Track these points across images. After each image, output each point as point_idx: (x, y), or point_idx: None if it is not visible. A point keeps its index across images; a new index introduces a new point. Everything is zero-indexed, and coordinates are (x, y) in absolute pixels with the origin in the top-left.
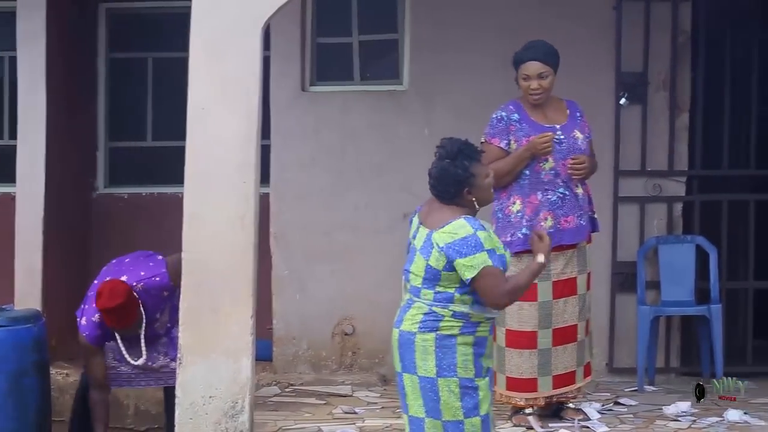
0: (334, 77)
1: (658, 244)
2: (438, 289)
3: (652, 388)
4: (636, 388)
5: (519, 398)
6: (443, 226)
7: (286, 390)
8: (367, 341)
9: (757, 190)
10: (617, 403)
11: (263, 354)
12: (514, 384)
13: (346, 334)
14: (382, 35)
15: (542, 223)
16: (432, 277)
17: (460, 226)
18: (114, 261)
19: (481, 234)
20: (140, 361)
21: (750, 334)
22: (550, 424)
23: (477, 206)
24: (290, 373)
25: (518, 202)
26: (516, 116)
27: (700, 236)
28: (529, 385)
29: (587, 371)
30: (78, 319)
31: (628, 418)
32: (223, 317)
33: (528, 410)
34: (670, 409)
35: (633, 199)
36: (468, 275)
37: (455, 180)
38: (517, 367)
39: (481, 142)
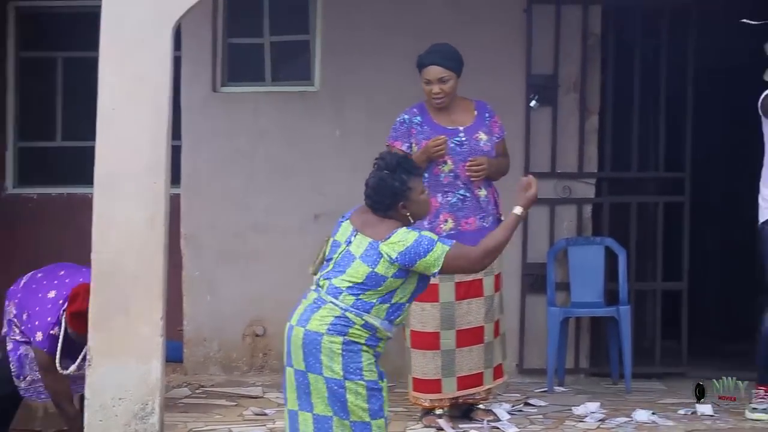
0: (246, 78)
1: (568, 245)
2: (362, 297)
3: (561, 388)
4: (546, 389)
5: (424, 399)
6: (389, 237)
7: (197, 391)
8: (278, 342)
9: (666, 193)
10: (527, 404)
11: (174, 355)
12: (419, 385)
13: (256, 336)
14: (293, 36)
15: (442, 226)
16: (373, 284)
17: (405, 234)
18: (39, 275)
19: (424, 233)
20: (71, 368)
21: (658, 335)
22: (460, 425)
23: (411, 220)
24: (201, 374)
25: None
26: (418, 119)
27: (609, 238)
28: (433, 386)
29: (498, 373)
30: (32, 338)
31: (538, 418)
32: (133, 318)
33: (438, 411)
34: (580, 410)
35: (543, 201)
36: (435, 269)
37: (392, 192)
38: (422, 368)
39: (386, 145)
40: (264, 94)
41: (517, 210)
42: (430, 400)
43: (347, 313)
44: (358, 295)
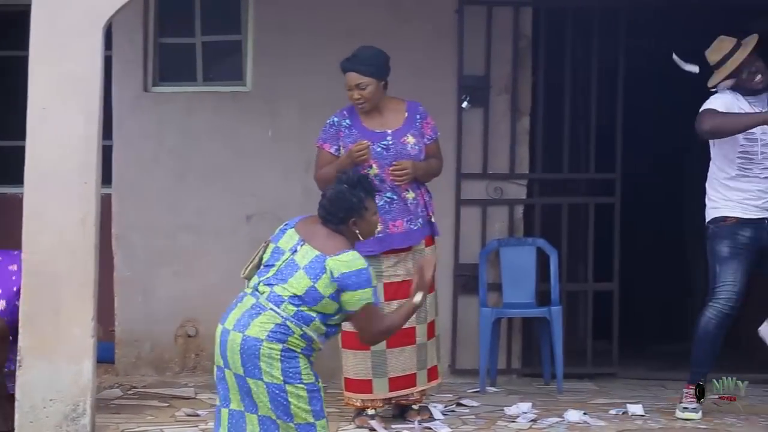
0: (177, 78)
1: (500, 246)
2: (303, 309)
3: (493, 389)
4: (478, 389)
5: (356, 399)
6: (339, 254)
7: (129, 392)
8: (210, 343)
9: (597, 194)
10: (459, 404)
11: (105, 356)
12: (350, 385)
13: (189, 336)
14: (225, 36)
15: None
16: (310, 300)
17: (355, 258)
18: None
19: (370, 270)
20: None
21: (590, 336)
22: (393, 426)
23: (360, 238)
24: (133, 375)
25: None
26: (347, 122)
27: (540, 239)
28: (364, 386)
29: (433, 375)
30: None
31: (470, 419)
32: (64, 319)
33: (370, 411)
34: (512, 410)
35: (475, 202)
36: (350, 308)
37: (347, 207)
38: (352, 368)
39: (316, 147)
40: (195, 95)
41: (416, 299)
42: (362, 400)
43: (288, 323)
44: (299, 306)
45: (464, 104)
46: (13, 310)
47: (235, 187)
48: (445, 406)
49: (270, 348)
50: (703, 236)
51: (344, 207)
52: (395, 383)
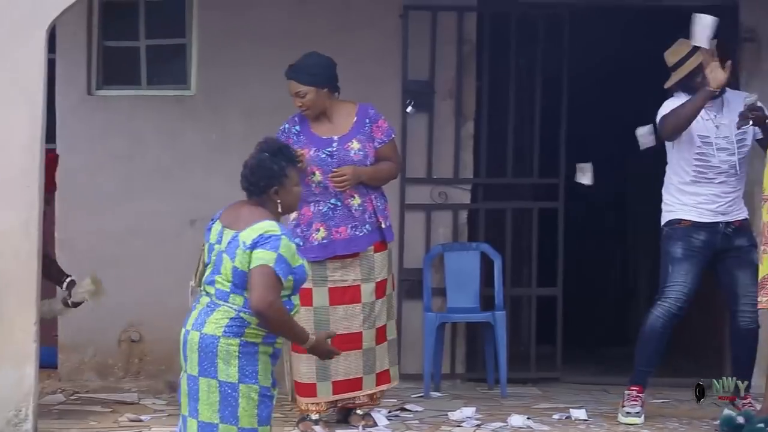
0: (122, 81)
1: (444, 251)
2: (248, 294)
3: (438, 393)
4: (422, 394)
5: (303, 403)
6: (253, 225)
7: (72, 398)
8: (154, 348)
9: (540, 199)
10: (404, 409)
11: (48, 361)
12: (298, 388)
13: (132, 341)
14: (169, 40)
15: (314, 234)
16: (240, 282)
17: (269, 225)
18: None
19: (284, 240)
20: None
21: (533, 340)
22: (337, 431)
23: (280, 209)
24: (76, 380)
25: (294, 213)
26: (297, 128)
27: (484, 243)
28: (309, 389)
29: (383, 378)
30: None
31: (414, 423)
32: (7, 324)
33: (314, 416)
34: (456, 415)
35: (419, 207)
36: (252, 264)
37: (269, 174)
38: (298, 372)
39: None
40: (140, 98)
41: (311, 339)
42: (308, 404)
43: (241, 314)
44: (243, 293)
45: (409, 109)
46: None
47: (179, 191)
48: (390, 411)
49: (228, 344)
50: (646, 239)
51: (265, 175)
52: (339, 386)
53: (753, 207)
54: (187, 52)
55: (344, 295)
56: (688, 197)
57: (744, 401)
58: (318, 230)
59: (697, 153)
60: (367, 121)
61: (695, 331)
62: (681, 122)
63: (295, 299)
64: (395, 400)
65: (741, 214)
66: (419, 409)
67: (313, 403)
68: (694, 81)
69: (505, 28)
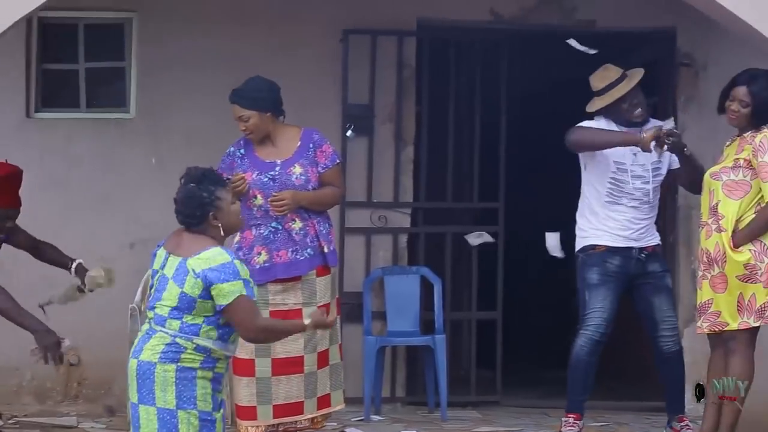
0: (61, 104)
1: (384, 275)
2: (186, 319)
3: (378, 417)
4: (363, 418)
5: (243, 426)
6: (199, 253)
7: (10, 422)
8: (93, 372)
9: (480, 223)
10: None
11: None
12: (238, 411)
13: (71, 365)
14: (108, 63)
15: (256, 258)
16: (186, 306)
17: (217, 253)
18: None
19: (237, 263)
20: None
21: (474, 364)
22: None
23: (222, 233)
24: (14, 404)
25: (237, 236)
26: (242, 151)
27: (424, 267)
28: (249, 412)
29: (324, 403)
30: None
31: None
32: None
33: None
34: None
35: (359, 230)
36: (222, 302)
37: (200, 203)
38: (238, 394)
39: None
40: (79, 121)
41: (306, 321)
42: (247, 427)
43: (177, 339)
44: (181, 318)
45: (349, 133)
46: None
47: (118, 214)
48: None
49: (164, 370)
50: None
51: (196, 204)
52: (280, 410)
53: (690, 229)
54: (126, 75)
55: (285, 318)
56: (601, 222)
57: (680, 423)
58: (259, 254)
59: (612, 178)
60: (311, 145)
61: (632, 353)
62: (595, 144)
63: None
64: (335, 424)
65: (653, 239)
66: None
67: (253, 426)
68: (619, 108)
69: (445, 52)
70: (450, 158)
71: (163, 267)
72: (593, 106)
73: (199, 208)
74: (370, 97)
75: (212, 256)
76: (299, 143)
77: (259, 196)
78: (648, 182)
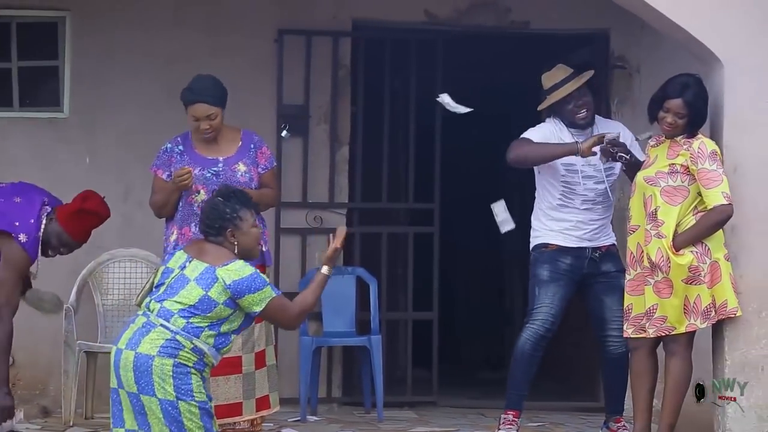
0: None
1: None
2: (193, 321)
3: (314, 417)
4: (299, 418)
5: None
6: (227, 264)
7: None
8: (28, 372)
9: (416, 223)
10: None
11: None
12: None
13: None
14: (42, 62)
15: None
16: (204, 308)
17: (243, 266)
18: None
19: (258, 272)
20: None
21: (410, 364)
22: None
23: (236, 252)
24: None
25: (175, 232)
26: (180, 148)
27: (360, 268)
28: None
29: (263, 404)
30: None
31: None
32: None
33: None
34: None
35: (295, 231)
36: (257, 309)
37: (222, 217)
38: None
39: (151, 171)
40: (11, 120)
41: (324, 269)
42: None
43: (177, 336)
44: (189, 318)
45: (284, 133)
46: (34, 244)
47: None
48: None
49: (162, 363)
50: (520, 264)
51: (217, 217)
52: (219, 411)
53: (623, 233)
54: (60, 73)
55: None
56: (554, 223)
57: (617, 424)
58: None
59: (563, 181)
60: (252, 146)
61: (569, 355)
62: (531, 159)
63: (233, 340)
64: (272, 425)
65: (608, 239)
66: None
67: None
68: (564, 108)
69: (380, 53)
70: (385, 158)
71: (183, 268)
72: (541, 105)
73: (218, 221)
74: (305, 98)
75: (239, 269)
76: (240, 143)
77: (202, 191)
78: (602, 182)
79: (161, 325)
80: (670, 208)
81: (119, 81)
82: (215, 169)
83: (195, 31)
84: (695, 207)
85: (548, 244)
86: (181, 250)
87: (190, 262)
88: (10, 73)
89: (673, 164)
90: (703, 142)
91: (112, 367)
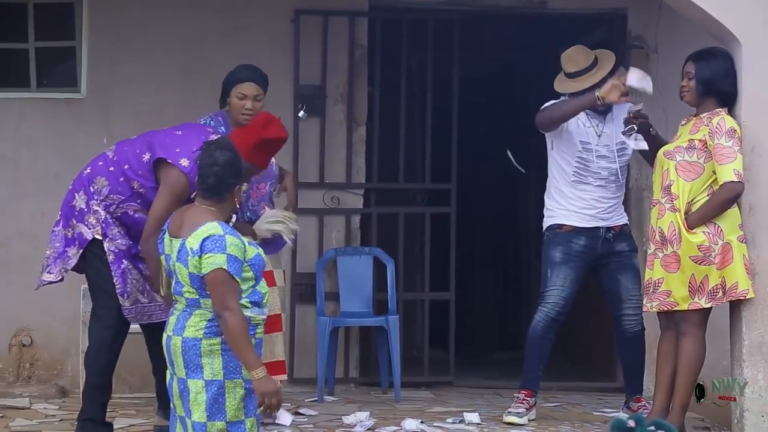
0: (10, 84)
1: (337, 255)
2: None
3: (331, 398)
4: (316, 399)
5: None
6: (196, 230)
7: None
8: (46, 352)
9: (432, 204)
10: (297, 413)
11: None
12: None
13: (23, 346)
14: (59, 42)
15: None
16: (201, 286)
17: (212, 227)
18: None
19: (229, 238)
20: None
21: (426, 345)
22: None
23: (237, 205)
24: None
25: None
26: (222, 129)
27: (377, 248)
28: None
29: (279, 368)
30: (172, 161)
31: (309, 428)
32: None
33: None
34: (350, 419)
35: (312, 211)
36: (204, 271)
37: (238, 172)
38: None
39: None
40: (29, 101)
41: (263, 370)
42: None
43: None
44: (208, 295)
45: (301, 114)
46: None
47: None
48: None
49: (210, 343)
50: (536, 244)
51: (236, 173)
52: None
53: (642, 211)
54: (77, 54)
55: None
56: (568, 201)
57: (637, 404)
58: None
59: (578, 158)
60: None
61: (586, 336)
62: (556, 116)
63: (262, 287)
64: (289, 404)
65: (621, 219)
66: (313, 413)
67: None
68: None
69: (397, 32)
70: (402, 139)
71: (171, 251)
72: (562, 88)
73: (233, 177)
74: (322, 78)
75: (206, 230)
76: None
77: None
78: (614, 161)
79: (198, 309)
80: (684, 183)
81: (136, 61)
82: None
83: (212, 12)
84: (710, 186)
85: (562, 225)
86: (166, 233)
87: (172, 243)
88: (28, 53)
89: (692, 139)
90: (723, 119)
91: (165, 353)
